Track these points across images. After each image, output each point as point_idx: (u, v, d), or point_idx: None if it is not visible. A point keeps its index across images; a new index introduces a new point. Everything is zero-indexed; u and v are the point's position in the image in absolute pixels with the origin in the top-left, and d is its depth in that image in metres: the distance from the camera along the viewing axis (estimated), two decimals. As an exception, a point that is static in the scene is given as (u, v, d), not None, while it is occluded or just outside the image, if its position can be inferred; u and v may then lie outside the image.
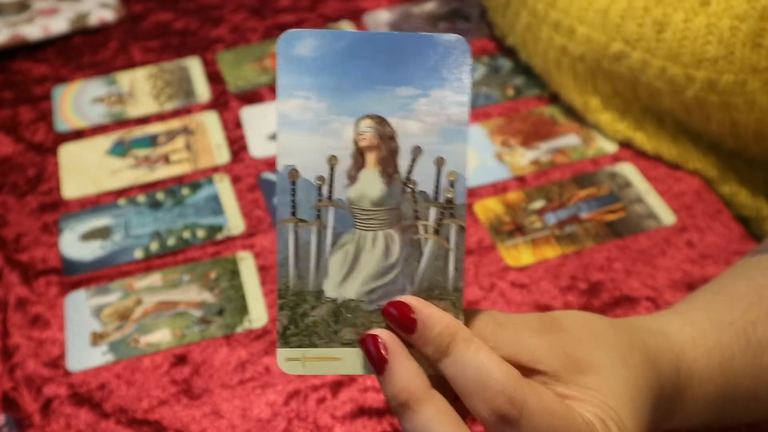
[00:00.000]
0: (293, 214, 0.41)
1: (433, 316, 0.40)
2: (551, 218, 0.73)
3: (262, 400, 0.61)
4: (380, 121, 0.40)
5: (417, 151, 0.41)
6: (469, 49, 0.40)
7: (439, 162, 0.41)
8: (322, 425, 0.59)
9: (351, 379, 0.62)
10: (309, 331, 0.41)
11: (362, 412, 0.60)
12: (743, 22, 0.64)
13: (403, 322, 0.40)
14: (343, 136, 0.40)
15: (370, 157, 0.41)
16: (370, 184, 0.41)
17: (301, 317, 0.41)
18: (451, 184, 0.41)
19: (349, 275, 0.41)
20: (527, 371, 0.41)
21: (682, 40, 0.67)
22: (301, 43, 0.40)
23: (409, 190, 0.41)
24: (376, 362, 0.40)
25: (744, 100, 0.67)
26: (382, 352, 0.40)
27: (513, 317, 0.42)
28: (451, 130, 0.40)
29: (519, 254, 0.70)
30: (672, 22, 0.67)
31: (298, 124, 0.40)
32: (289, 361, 0.42)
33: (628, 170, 0.77)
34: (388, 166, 0.41)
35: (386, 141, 0.40)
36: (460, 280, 0.42)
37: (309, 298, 0.41)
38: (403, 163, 0.41)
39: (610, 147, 0.79)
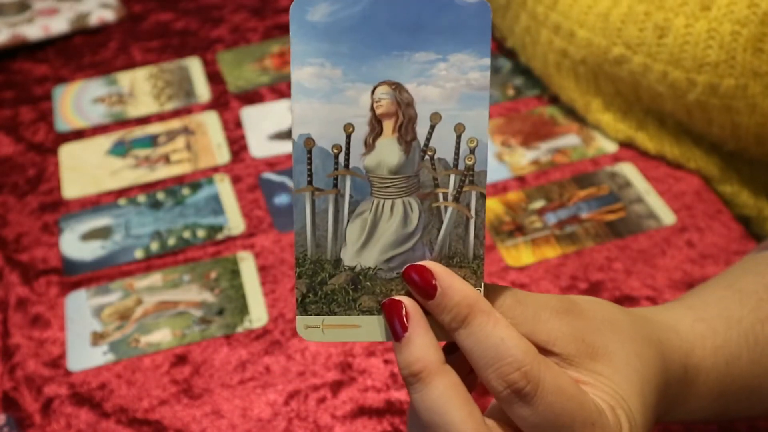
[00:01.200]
0: (310, 182, 0.40)
1: (453, 285, 0.40)
2: (551, 218, 0.73)
3: (262, 399, 0.61)
4: (397, 87, 0.39)
5: (436, 118, 0.40)
6: (490, 12, 0.39)
7: (459, 128, 0.40)
8: (323, 425, 0.59)
9: (351, 379, 0.62)
10: (328, 299, 0.41)
11: (362, 411, 0.60)
12: (744, 27, 0.64)
13: (423, 288, 0.40)
14: (360, 103, 0.39)
15: (388, 125, 0.40)
16: (388, 151, 0.40)
17: (320, 285, 0.41)
18: (472, 151, 0.40)
19: (367, 243, 0.41)
20: (541, 351, 0.41)
21: (683, 44, 0.67)
22: (314, 9, 0.39)
23: (427, 157, 0.40)
24: (397, 329, 0.40)
25: (745, 104, 0.67)
26: (404, 319, 0.40)
27: (533, 296, 0.42)
28: (471, 95, 0.40)
29: (519, 254, 0.70)
30: (673, 26, 0.67)
31: (313, 92, 0.39)
32: (308, 328, 0.41)
33: (628, 170, 0.77)
34: (406, 133, 0.40)
35: (404, 108, 0.40)
36: (481, 248, 0.41)
37: (327, 267, 0.41)
38: (421, 130, 0.40)
39: (610, 147, 0.79)
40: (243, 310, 0.67)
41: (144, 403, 0.62)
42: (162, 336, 0.66)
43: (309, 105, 0.40)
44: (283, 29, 0.96)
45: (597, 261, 0.69)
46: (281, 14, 0.99)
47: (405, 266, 0.41)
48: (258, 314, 0.67)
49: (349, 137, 0.40)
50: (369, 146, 0.40)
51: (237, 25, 0.98)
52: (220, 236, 0.73)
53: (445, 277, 0.40)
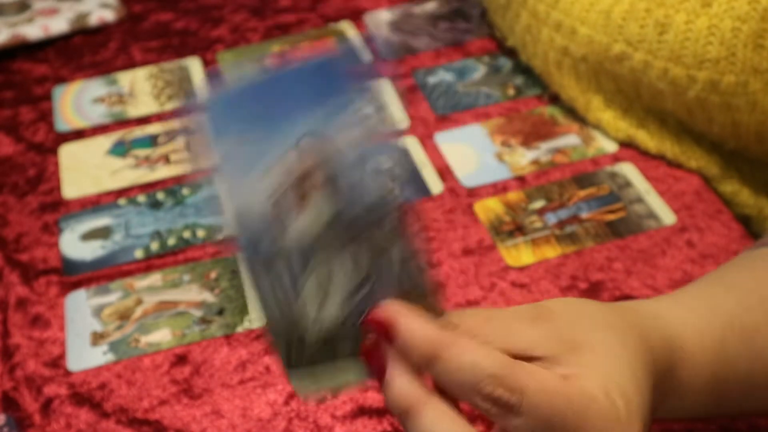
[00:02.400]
0: (256, 253, 0.41)
1: (411, 327, 0.40)
2: (551, 218, 0.73)
3: (262, 399, 0.61)
4: (315, 141, 0.40)
5: (358, 162, 0.40)
6: (358, 56, 0.41)
7: (379, 170, 0.40)
8: (323, 425, 0.60)
9: (351, 379, 0.62)
10: (309, 354, 0.42)
11: (362, 411, 0.60)
12: (744, 23, 0.64)
13: (384, 336, 0.41)
14: (284, 162, 0.40)
15: (312, 180, 0.40)
16: (320, 205, 0.41)
17: (298, 344, 0.42)
18: (397, 187, 0.41)
19: (327, 298, 0.41)
20: (524, 360, 0.41)
21: (683, 41, 0.67)
22: (223, 83, 0.41)
23: (358, 202, 0.41)
24: (376, 375, 0.41)
25: (746, 101, 0.67)
26: (382, 363, 0.41)
27: (502, 311, 0.42)
28: (382, 134, 0.41)
29: (519, 254, 0.70)
30: (674, 23, 0.67)
31: (236, 162, 0.40)
32: (301, 384, 0.42)
33: (628, 170, 0.77)
34: (331, 184, 0.41)
35: (324, 161, 0.40)
36: (429, 278, 0.42)
37: (299, 326, 0.42)
38: (346, 177, 0.40)
39: (610, 147, 0.79)
40: (243, 309, 0.67)
41: (144, 403, 0.62)
42: (162, 336, 0.66)
43: (234, 178, 0.40)
44: (284, 29, 0.96)
45: (597, 261, 0.69)
46: (281, 14, 0.99)
47: (367, 312, 0.41)
48: (258, 314, 0.67)
49: (279, 201, 0.40)
50: (301, 205, 0.40)
51: (237, 25, 0.98)
52: (220, 236, 0.73)
53: (402, 321, 0.40)
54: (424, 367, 0.40)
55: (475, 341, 0.40)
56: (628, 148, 0.79)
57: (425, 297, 0.42)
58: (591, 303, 0.45)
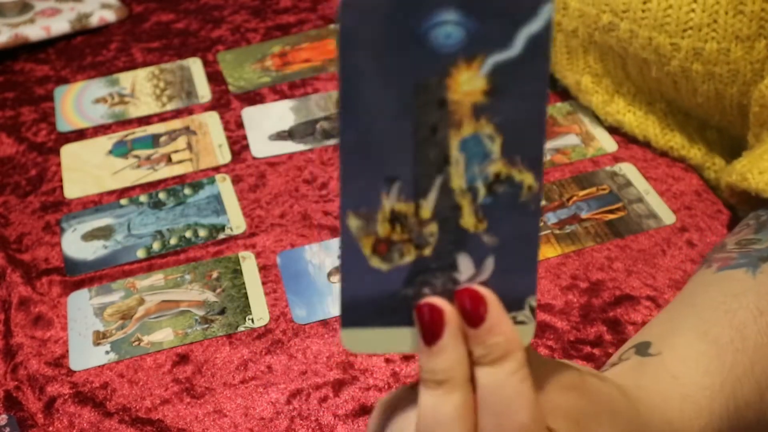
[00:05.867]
0: None
1: (502, 322, 0.38)
2: (551, 218, 0.73)
3: (264, 398, 0.62)
4: None
5: None
6: None
7: None
8: (324, 424, 0.60)
9: (353, 378, 0.62)
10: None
11: (364, 410, 0.60)
12: None
13: (472, 313, 0.38)
14: None
15: None
16: None
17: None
18: None
19: None
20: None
21: (666, 9, 0.68)
22: None
23: None
24: (427, 335, 0.39)
25: (727, 70, 0.67)
26: (438, 327, 0.38)
27: (544, 360, 0.41)
28: None
29: (520, 254, 0.70)
30: None
31: None
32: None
33: (628, 170, 0.77)
34: None
35: None
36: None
37: None
38: None
39: (610, 147, 0.79)
40: (245, 309, 0.68)
41: (146, 402, 0.62)
42: (164, 335, 0.66)
43: None
44: (284, 29, 0.97)
45: (597, 260, 0.69)
46: (281, 15, 0.99)
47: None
48: (259, 313, 0.67)
49: None
50: None
51: (238, 26, 0.98)
52: (221, 236, 0.74)
53: (495, 311, 0.39)
54: (481, 361, 0.38)
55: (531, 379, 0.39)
56: (628, 147, 0.79)
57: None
58: (622, 399, 0.44)
